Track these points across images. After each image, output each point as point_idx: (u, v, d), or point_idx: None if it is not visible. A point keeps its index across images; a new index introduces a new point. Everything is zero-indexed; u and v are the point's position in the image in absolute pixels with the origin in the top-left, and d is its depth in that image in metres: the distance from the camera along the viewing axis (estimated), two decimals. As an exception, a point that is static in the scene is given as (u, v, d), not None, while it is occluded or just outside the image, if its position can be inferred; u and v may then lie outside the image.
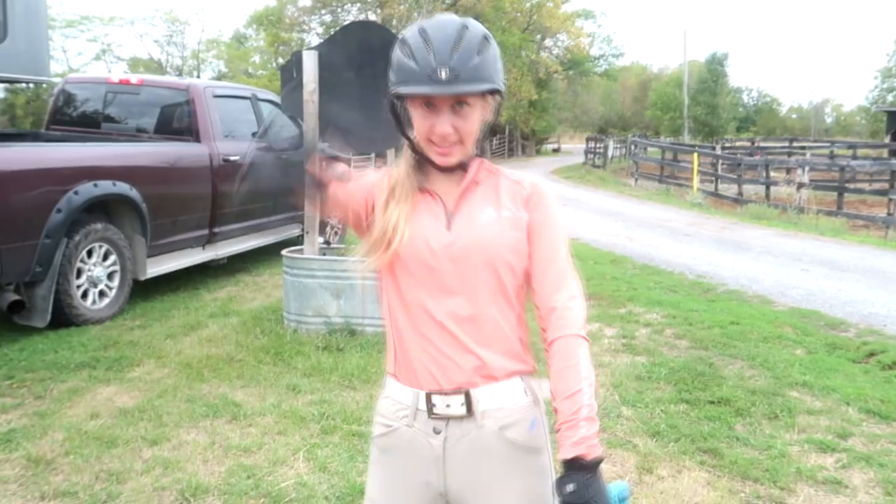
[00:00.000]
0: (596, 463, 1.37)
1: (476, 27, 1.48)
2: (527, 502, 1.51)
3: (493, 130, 1.66)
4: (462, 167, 1.56)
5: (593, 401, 1.41)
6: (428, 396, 1.51)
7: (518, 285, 1.54)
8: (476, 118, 1.50)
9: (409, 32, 1.49)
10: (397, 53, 1.49)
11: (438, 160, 1.52)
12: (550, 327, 1.48)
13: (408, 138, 1.57)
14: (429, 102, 1.47)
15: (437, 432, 1.52)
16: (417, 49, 1.45)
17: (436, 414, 1.51)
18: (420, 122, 1.50)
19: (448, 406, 1.50)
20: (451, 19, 1.49)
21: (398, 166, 1.62)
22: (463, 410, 1.49)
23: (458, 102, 1.47)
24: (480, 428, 1.50)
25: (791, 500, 3.37)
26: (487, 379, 1.50)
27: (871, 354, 5.62)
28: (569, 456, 1.36)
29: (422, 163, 1.58)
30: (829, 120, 77.31)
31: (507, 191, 1.57)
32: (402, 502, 1.58)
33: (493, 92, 1.50)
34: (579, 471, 1.35)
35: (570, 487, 1.34)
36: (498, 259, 1.50)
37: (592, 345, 1.56)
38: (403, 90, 1.46)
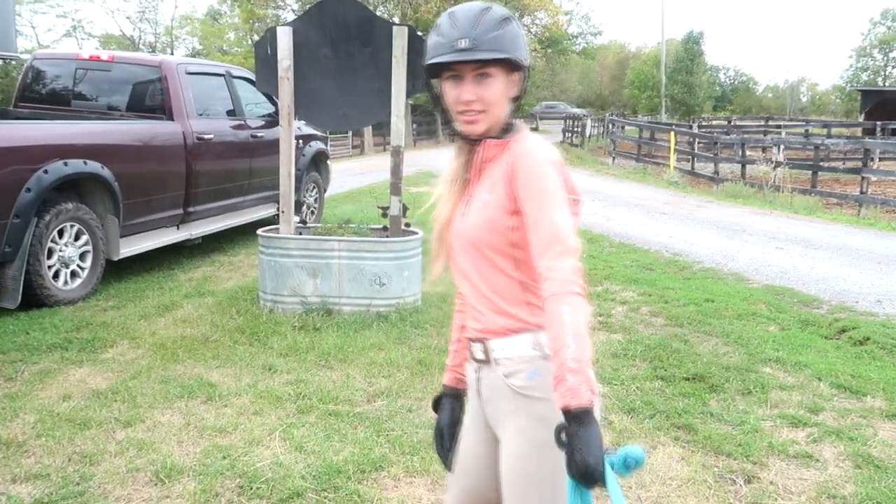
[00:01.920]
0: (582, 411, 1.41)
1: (498, 9, 1.69)
2: (525, 441, 1.67)
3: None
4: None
5: (581, 353, 1.45)
6: (469, 342, 1.82)
7: (515, 260, 1.69)
8: (498, 89, 1.68)
9: (441, 17, 1.72)
10: (431, 36, 1.71)
11: (465, 128, 1.71)
12: (541, 292, 1.56)
13: (449, 119, 1.75)
14: (455, 75, 1.68)
15: (476, 372, 1.82)
16: (443, 27, 1.68)
17: (473, 357, 1.81)
18: (449, 94, 1.70)
19: (476, 352, 1.79)
20: (476, 3, 1.70)
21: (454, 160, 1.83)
22: (483, 356, 1.77)
23: (481, 74, 1.66)
24: (494, 372, 1.74)
25: (763, 473, 3.42)
26: (499, 333, 1.73)
27: (843, 331, 5.70)
28: (558, 406, 1.45)
29: (471, 147, 1.76)
30: (804, 99, 77.84)
31: (501, 166, 1.70)
32: (469, 422, 1.89)
33: (514, 67, 1.69)
34: (570, 421, 1.42)
35: (561, 436, 1.44)
36: (480, 244, 1.71)
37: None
38: (429, 61, 1.68)
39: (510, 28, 1.67)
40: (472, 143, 1.75)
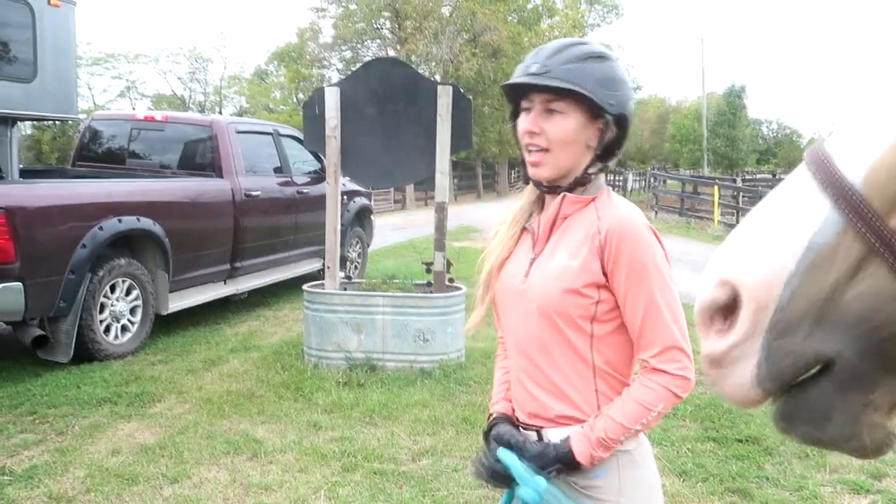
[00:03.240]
0: (576, 462, 1.47)
1: (593, 47, 1.56)
2: None
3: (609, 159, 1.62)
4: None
5: (622, 430, 1.47)
6: (517, 426, 1.63)
7: (591, 336, 1.52)
8: (567, 128, 1.51)
9: None
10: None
11: (529, 171, 1.58)
12: (641, 375, 1.52)
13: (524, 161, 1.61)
14: (528, 108, 1.55)
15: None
16: (528, 56, 1.57)
17: None
18: (519, 127, 1.58)
19: (527, 439, 1.59)
20: (575, 39, 1.60)
21: (519, 199, 1.70)
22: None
23: (549, 109, 1.52)
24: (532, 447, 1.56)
25: (825, 543, 3.27)
26: (557, 422, 1.55)
27: (903, 391, 5.49)
28: (572, 445, 1.48)
29: (539, 196, 1.65)
30: (849, 151, 76.84)
31: (585, 229, 1.54)
32: None
33: (595, 112, 1.51)
34: (562, 461, 1.48)
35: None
36: (557, 313, 1.52)
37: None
38: (503, 84, 1.58)
39: (599, 66, 1.51)
40: (546, 191, 1.60)
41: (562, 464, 1.47)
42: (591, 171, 1.57)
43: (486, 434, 1.68)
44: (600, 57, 1.52)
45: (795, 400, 0.80)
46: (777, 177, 34.60)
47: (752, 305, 0.80)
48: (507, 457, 1.51)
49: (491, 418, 1.70)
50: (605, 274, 1.49)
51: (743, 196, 21.40)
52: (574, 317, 1.50)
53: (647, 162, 57.62)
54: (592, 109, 1.51)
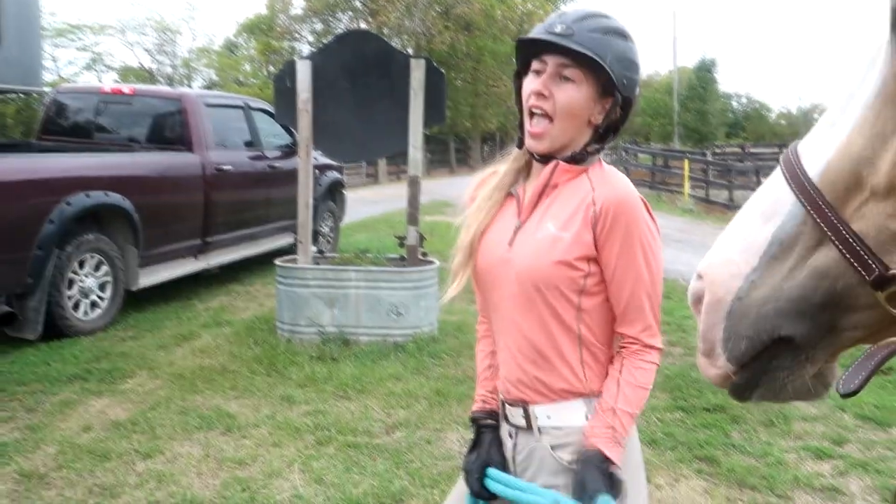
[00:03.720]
0: (608, 459, 1.47)
1: (615, 22, 1.50)
2: None
3: (604, 135, 1.57)
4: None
5: (632, 405, 1.50)
6: (502, 403, 1.62)
7: (577, 309, 1.50)
8: (577, 98, 1.47)
9: None
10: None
11: (529, 142, 1.52)
12: (616, 351, 1.55)
13: (521, 121, 1.56)
14: (539, 70, 1.48)
15: (510, 437, 1.61)
16: (550, 16, 1.51)
17: (508, 420, 1.61)
18: (525, 88, 1.51)
19: (513, 416, 1.59)
20: (594, 9, 1.52)
21: (504, 163, 1.64)
22: (523, 423, 1.57)
23: (564, 76, 1.46)
24: (538, 441, 1.55)
25: (789, 507, 3.37)
26: (544, 397, 1.54)
27: (865, 360, 5.63)
28: (591, 443, 1.48)
29: (526, 162, 1.60)
30: (817, 125, 77.59)
31: (579, 201, 1.50)
32: None
33: (607, 88, 1.48)
34: (593, 460, 1.47)
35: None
36: (545, 285, 1.48)
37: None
38: (520, 38, 1.50)
39: (620, 43, 1.47)
40: (539, 160, 1.55)
41: (609, 477, 1.46)
42: (589, 149, 1.54)
43: (478, 425, 1.67)
44: (623, 35, 1.48)
45: (752, 372, 0.94)
46: (746, 150, 34.92)
47: (709, 297, 0.96)
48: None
49: (475, 416, 1.68)
50: (595, 247, 1.47)
51: (712, 170, 21.61)
52: (562, 288, 1.48)
53: (619, 136, 57.77)
54: (604, 85, 1.47)
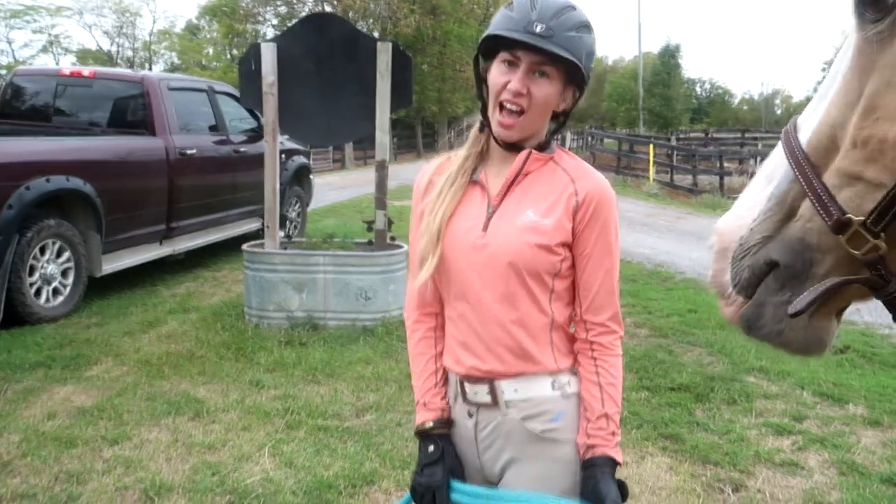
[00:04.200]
0: (615, 463, 1.56)
1: (582, 14, 1.51)
2: (547, 488, 1.55)
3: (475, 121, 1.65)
4: (517, 152, 1.56)
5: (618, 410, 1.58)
6: (461, 382, 1.61)
7: (551, 291, 1.56)
8: (551, 93, 1.50)
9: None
10: (500, 11, 1.52)
11: (498, 130, 1.52)
12: (583, 338, 1.59)
13: (483, 104, 1.57)
14: (511, 61, 1.48)
15: (469, 416, 1.62)
16: (520, 6, 1.48)
17: (468, 399, 1.61)
18: (496, 79, 1.50)
19: (476, 394, 1.59)
20: (563, 1, 1.50)
21: (460, 150, 1.64)
22: (488, 399, 1.58)
23: (541, 71, 1.48)
24: (504, 416, 1.57)
25: (750, 482, 3.46)
26: (512, 373, 1.56)
27: (824, 339, 5.78)
28: (600, 451, 1.55)
29: (485, 146, 1.62)
30: (779, 111, 78.91)
31: (557, 190, 1.55)
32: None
33: (573, 80, 1.52)
34: (603, 466, 1.54)
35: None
36: (526, 269, 1.52)
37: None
38: (496, 32, 1.47)
39: (588, 38, 1.50)
40: (506, 147, 1.57)
41: (619, 483, 1.55)
42: (552, 134, 1.61)
43: (432, 448, 1.62)
44: (589, 28, 1.51)
45: (755, 304, 1.13)
46: (709, 136, 35.36)
47: (717, 246, 1.18)
48: None
49: (429, 427, 1.64)
50: (573, 234, 1.53)
51: (677, 154, 21.88)
52: (541, 272, 1.52)
53: (585, 121, 58.17)
54: (571, 76, 1.51)
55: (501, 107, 1.50)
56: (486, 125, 1.58)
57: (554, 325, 1.57)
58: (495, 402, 1.57)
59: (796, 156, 1.07)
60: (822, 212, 1.03)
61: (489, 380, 1.56)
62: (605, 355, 1.56)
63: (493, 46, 1.51)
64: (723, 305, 1.19)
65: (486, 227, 1.55)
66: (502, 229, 1.53)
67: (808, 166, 1.05)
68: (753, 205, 1.15)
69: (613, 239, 1.56)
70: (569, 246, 1.54)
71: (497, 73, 1.50)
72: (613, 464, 1.54)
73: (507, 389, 1.56)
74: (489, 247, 1.53)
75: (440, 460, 1.60)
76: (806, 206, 1.07)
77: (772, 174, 1.14)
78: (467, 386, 1.59)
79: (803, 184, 1.06)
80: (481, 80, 1.57)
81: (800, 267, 1.08)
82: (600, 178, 1.58)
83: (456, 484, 1.59)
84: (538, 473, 1.56)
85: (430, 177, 1.67)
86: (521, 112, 1.49)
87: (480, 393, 1.58)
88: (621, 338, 1.60)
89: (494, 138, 1.57)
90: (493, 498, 1.55)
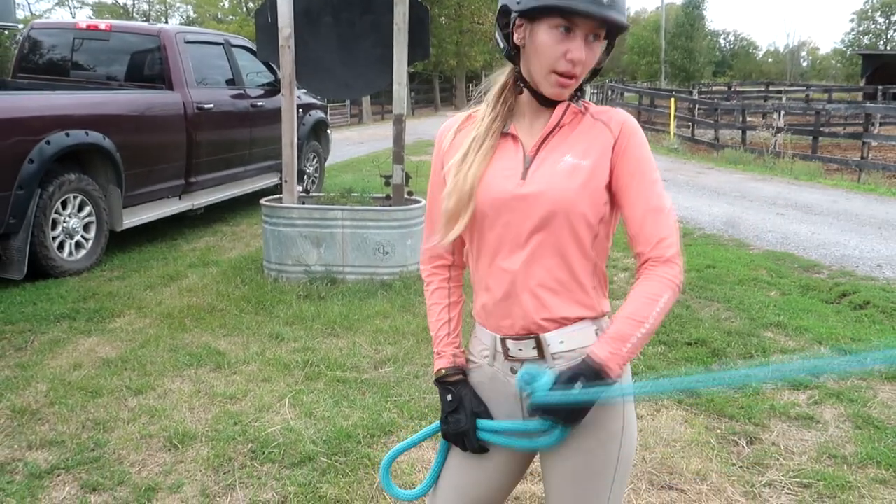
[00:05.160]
0: (606, 373, 1.43)
1: None
2: (592, 436, 1.54)
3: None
4: (552, 106, 1.55)
5: (646, 338, 1.47)
6: (503, 340, 1.58)
7: (595, 236, 1.53)
8: (600, 56, 1.52)
9: None
10: None
11: (554, 91, 1.50)
12: (641, 272, 1.51)
13: (517, 67, 1.55)
14: (568, 27, 1.44)
15: (513, 372, 1.58)
16: None
17: (511, 356, 1.58)
18: (551, 48, 1.45)
19: (520, 350, 1.56)
20: None
21: (482, 107, 1.62)
22: (534, 354, 1.55)
23: (595, 35, 1.47)
24: (551, 369, 1.52)
25: (765, 435, 3.48)
26: (556, 324, 1.53)
27: (843, 295, 5.75)
28: (596, 354, 1.44)
29: (512, 102, 1.59)
30: (804, 64, 77.30)
31: (592, 134, 1.54)
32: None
33: (613, 37, 1.52)
34: (591, 372, 1.43)
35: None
36: (572, 212, 1.49)
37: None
38: (559, 4, 1.41)
39: None
40: (543, 102, 1.55)
41: (588, 374, 1.43)
42: (585, 86, 1.59)
43: (440, 384, 1.66)
44: None
45: None
46: (732, 89, 34.70)
47: None
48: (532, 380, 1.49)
49: (443, 374, 1.66)
50: (611, 171, 1.51)
51: (699, 108, 21.53)
52: (588, 215, 1.50)
53: (606, 75, 57.30)
54: (613, 36, 1.52)
55: (563, 71, 1.47)
56: (523, 84, 1.55)
57: (596, 270, 1.56)
58: (541, 356, 1.55)
59: None
60: None
61: (532, 334, 1.54)
62: (654, 272, 1.49)
63: (551, 12, 1.44)
64: None
65: (524, 176, 1.52)
66: (543, 176, 1.51)
67: None
68: None
69: (653, 163, 1.54)
70: (609, 188, 1.51)
71: (550, 40, 1.45)
72: (598, 370, 1.43)
73: (553, 342, 1.53)
74: (531, 195, 1.50)
75: (460, 407, 1.62)
76: None
77: None
78: (510, 343, 1.57)
79: None
80: (509, 39, 1.52)
81: None
82: (623, 112, 1.58)
83: (481, 423, 1.61)
84: (586, 419, 1.51)
85: (453, 133, 1.64)
86: (576, 76, 1.49)
87: (526, 349, 1.55)
88: (679, 267, 1.50)
89: (534, 95, 1.54)
90: (515, 429, 1.57)
